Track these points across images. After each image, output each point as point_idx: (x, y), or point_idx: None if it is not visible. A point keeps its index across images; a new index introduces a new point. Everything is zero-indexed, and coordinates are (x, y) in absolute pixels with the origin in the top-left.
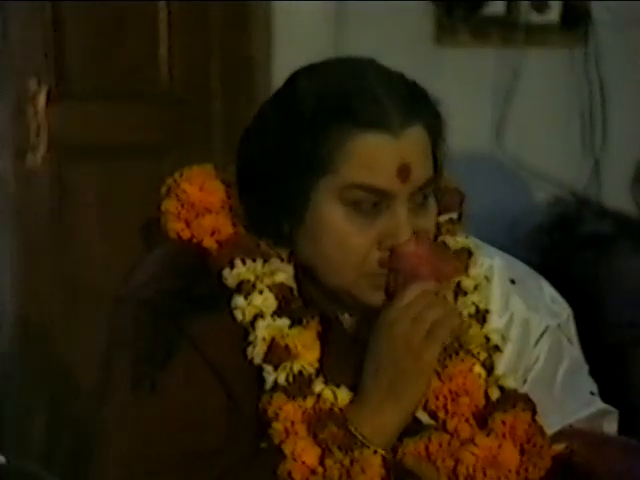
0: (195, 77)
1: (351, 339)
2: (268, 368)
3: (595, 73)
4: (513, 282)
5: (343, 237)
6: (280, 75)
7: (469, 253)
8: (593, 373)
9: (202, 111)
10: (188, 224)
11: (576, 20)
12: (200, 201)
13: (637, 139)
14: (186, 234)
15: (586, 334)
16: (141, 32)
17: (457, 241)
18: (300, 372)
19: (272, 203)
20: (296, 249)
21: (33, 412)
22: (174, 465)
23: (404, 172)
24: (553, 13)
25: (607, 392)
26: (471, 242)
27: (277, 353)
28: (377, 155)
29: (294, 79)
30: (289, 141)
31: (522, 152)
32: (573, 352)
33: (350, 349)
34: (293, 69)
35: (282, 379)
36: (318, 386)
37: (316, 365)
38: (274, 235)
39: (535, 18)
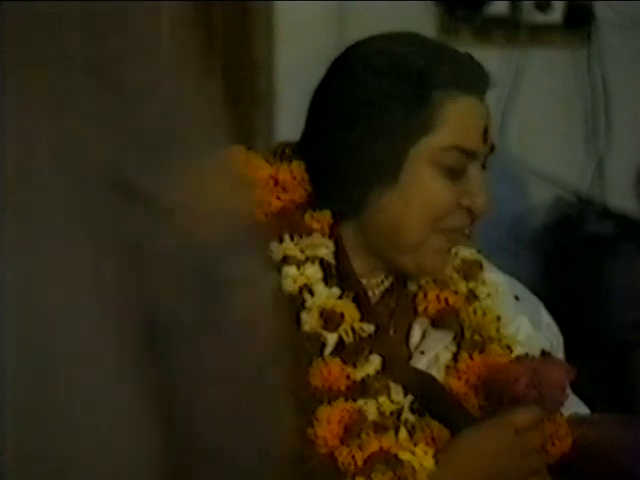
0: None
1: (376, 314)
2: (325, 332)
3: (598, 73)
4: (517, 299)
5: (435, 195)
6: (282, 75)
7: (481, 265)
8: (597, 374)
9: None
10: None
11: (579, 20)
12: (246, 176)
13: None
14: None
15: (590, 335)
16: None
17: (472, 253)
18: (359, 333)
19: (362, 167)
20: (372, 212)
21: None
22: None
23: (486, 134)
24: (556, 13)
25: (611, 392)
26: (481, 256)
27: (334, 319)
28: (471, 118)
29: (373, 47)
30: (389, 106)
31: (525, 152)
32: None
33: (375, 322)
34: (295, 69)
35: (345, 337)
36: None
37: (364, 334)
38: (347, 202)
39: (538, 18)
